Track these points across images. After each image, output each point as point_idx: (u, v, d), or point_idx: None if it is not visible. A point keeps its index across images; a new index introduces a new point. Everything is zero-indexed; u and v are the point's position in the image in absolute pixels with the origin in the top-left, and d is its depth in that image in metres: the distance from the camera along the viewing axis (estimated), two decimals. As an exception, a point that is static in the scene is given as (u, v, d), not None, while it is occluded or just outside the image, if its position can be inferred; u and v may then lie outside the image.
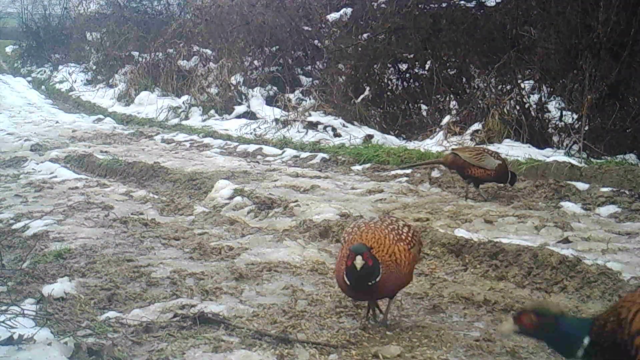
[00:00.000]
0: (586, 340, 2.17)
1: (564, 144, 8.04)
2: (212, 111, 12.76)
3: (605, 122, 7.89)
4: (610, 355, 2.11)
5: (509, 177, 6.07)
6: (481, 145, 7.56)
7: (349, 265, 2.96)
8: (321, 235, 5.01)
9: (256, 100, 12.39)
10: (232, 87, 12.92)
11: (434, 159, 7.08)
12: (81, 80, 19.39)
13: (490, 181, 6.15)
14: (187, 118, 12.95)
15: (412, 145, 8.98)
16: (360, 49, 10.84)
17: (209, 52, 14.94)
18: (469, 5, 9.83)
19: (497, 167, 5.98)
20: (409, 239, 3.20)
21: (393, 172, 7.55)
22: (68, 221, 5.44)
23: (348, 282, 3.02)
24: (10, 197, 6.55)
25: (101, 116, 14.37)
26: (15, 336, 2.90)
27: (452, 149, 6.54)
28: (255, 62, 13.34)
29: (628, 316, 2.06)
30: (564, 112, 8.53)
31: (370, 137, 9.52)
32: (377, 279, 2.98)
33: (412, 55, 10.49)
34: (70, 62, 21.81)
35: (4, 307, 3.28)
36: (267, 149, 9.48)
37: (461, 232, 4.77)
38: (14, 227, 5.29)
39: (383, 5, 11.06)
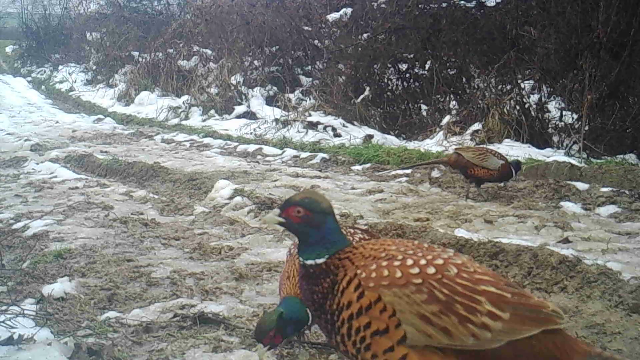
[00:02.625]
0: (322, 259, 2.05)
1: (564, 144, 8.05)
2: (212, 111, 12.77)
3: (605, 122, 7.90)
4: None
5: (512, 177, 6.07)
6: (483, 145, 7.55)
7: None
8: (321, 235, 5.00)
9: (256, 100, 12.40)
10: (232, 87, 12.93)
11: (437, 159, 7.05)
12: (81, 80, 19.41)
13: (493, 181, 6.14)
14: (187, 118, 12.96)
15: (412, 145, 8.99)
16: (360, 49, 10.85)
17: (209, 52, 14.96)
18: (469, 5, 9.84)
19: (500, 167, 5.98)
20: None
21: (393, 172, 7.55)
22: (68, 221, 5.44)
23: None
24: (10, 197, 6.55)
25: (101, 116, 14.37)
26: (15, 336, 2.90)
27: (456, 149, 6.49)
28: (255, 62, 13.35)
29: (342, 283, 1.92)
30: (564, 112, 8.54)
31: (370, 137, 9.53)
32: (309, 322, 2.74)
33: (412, 55, 10.50)
34: (70, 62, 21.84)
35: (4, 307, 3.28)
36: (267, 149, 9.48)
37: (461, 232, 4.76)
38: (14, 227, 5.28)
39: (383, 5, 11.06)
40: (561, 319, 1.77)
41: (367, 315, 1.84)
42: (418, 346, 1.78)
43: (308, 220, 2.09)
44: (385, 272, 1.86)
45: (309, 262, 2.04)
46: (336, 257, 2.02)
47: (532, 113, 8.58)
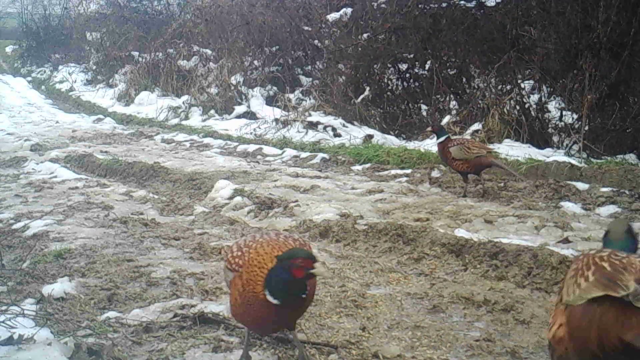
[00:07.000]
0: None
1: (564, 144, 8.05)
2: (212, 111, 12.78)
3: (605, 122, 7.90)
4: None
5: None
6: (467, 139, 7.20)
7: (300, 276, 2.46)
8: (321, 235, 5.01)
9: (256, 100, 12.40)
10: (232, 87, 12.93)
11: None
12: (81, 80, 19.42)
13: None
14: (187, 118, 12.97)
15: (412, 145, 8.98)
16: (360, 49, 10.84)
17: (209, 52, 14.96)
18: (469, 5, 9.83)
19: None
20: (233, 261, 2.64)
21: (393, 172, 7.55)
22: (68, 221, 5.44)
23: (277, 301, 2.49)
24: (10, 197, 6.55)
25: (101, 116, 14.38)
26: (15, 336, 2.90)
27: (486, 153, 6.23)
28: (255, 62, 13.35)
29: None
30: (564, 112, 8.53)
31: (370, 137, 9.53)
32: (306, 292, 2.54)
33: (412, 55, 10.50)
34: (70, 62, 21.85)
35: (4, 307, 3.28)
36: (267, 149, 9.48)
37: (461, 232, 4.77)
38: (14, 227, 5.29)
39: (383, 5, 11.06)
40: (624, 292, 1.93)
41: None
42: (563, 304, 2.12)
43: None
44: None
45: None
46: None
47: (532, 113, 8.58)
